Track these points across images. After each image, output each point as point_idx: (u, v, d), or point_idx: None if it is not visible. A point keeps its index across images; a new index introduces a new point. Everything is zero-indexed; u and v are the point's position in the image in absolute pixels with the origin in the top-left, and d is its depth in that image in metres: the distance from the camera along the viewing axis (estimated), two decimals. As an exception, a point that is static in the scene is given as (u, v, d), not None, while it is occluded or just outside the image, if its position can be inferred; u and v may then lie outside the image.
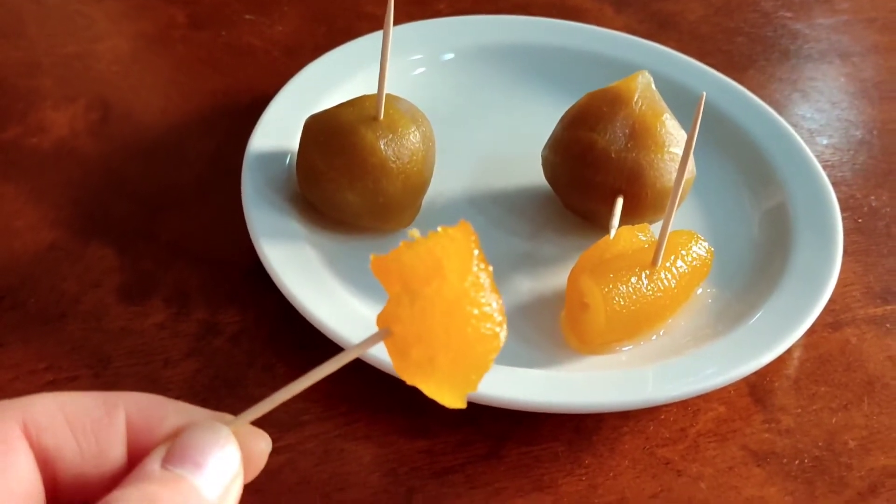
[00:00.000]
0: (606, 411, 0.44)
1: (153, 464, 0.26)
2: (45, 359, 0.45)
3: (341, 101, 0.51)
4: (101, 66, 0.63)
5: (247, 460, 0.28)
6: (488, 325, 0.28)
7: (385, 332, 0.28)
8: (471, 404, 0.42)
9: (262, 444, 0.29)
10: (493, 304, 0.28)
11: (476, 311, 0.27)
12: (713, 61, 0.65)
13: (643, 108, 0.49)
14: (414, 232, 0.28)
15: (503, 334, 0.28)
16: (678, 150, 0.49)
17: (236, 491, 0.27)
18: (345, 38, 0.62)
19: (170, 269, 0.50)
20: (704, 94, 0.42)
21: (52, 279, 0.49)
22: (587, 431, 0.44)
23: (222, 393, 0.45)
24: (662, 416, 0.45)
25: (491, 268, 0.28)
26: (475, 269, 0.28)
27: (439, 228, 0.27)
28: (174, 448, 0.26)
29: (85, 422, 0.26)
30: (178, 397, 0.43)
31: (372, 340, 0.28)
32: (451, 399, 0.28)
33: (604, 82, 0.52)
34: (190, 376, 0.45)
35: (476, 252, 0.28)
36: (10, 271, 0.49)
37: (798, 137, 0.57)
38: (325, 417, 0.44)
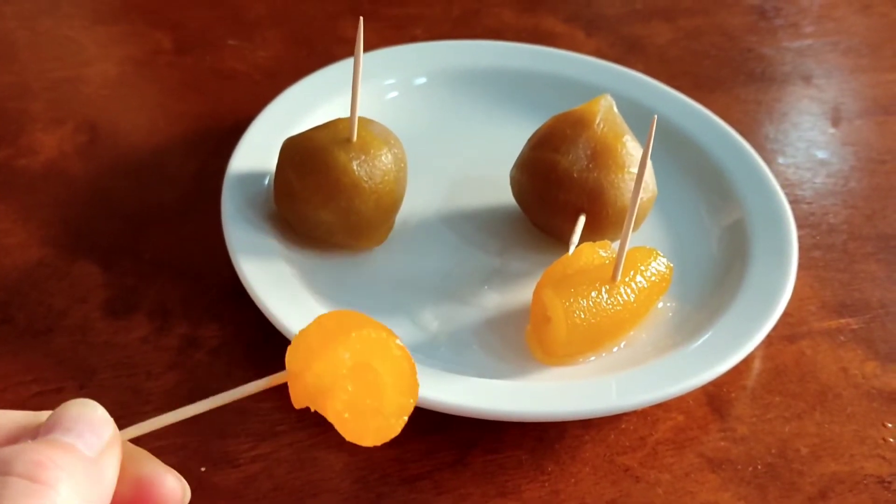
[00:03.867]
0: (569, 419, 0.46)
1: (26, 438, 0.27)
2: (33, 371, 0.47)
3: (318, 123, 0.53)
4: (89, 89, 0.65)
5: (152, 491, 0.30)
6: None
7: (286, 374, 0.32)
8: (439, 414, 0.45)
9: (169, 480, 0.30)
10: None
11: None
12: (681, 83, 0.68)
13: (605, 129, 0.51)
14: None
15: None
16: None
17: (115, 456, 0.28)
18: (324, 62, 0.64)
19: (153, 285, 0.52)
20: (656, 116, 0.44)
21: (39, 294, 0.51)
22: (550, 440, 0.46)
23: (202, 403, 0.47)
24: (623, 426, 0.47)
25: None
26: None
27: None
28: (46, 422, 0.28)
29: (11, 438, 0.28)
30: (159, 408, 0.46)
31: (276, 380, 0.32)
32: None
33: (571, 105, 0.55)
34: (171, 388, 0.47)
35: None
36: (0, 287, 0.51)
37: (757, 157, 0.59)
38: (299, 427, 0.46)
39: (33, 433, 0.28)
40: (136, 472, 0.30)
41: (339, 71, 0.62)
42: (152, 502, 0.30)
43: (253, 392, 0.32)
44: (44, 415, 0.29)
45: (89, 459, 0.27)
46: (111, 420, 0.29)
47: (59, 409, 0.28)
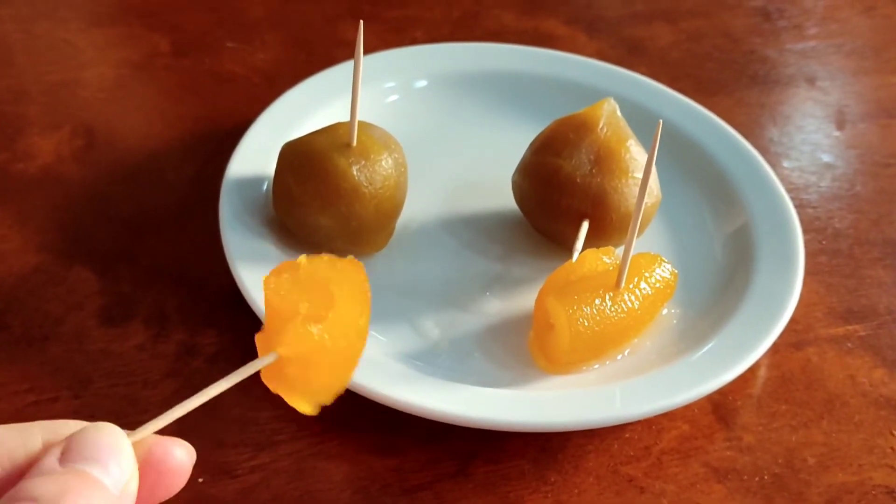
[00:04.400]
0: (572, 430, 0.45)
1: (51, 460, 0.27)
2: (28, 380, 0.47)
3: (317, 127, 0.52)
4: (86, 93, 0.64)
5: (161, 467, 0.30)
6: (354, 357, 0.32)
7: (272, 355, 0.32)
8: (440, 423, 0.44)
9: (177, 451, 0.30)
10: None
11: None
12: (683, 86, 0.67)
13: (608, 134, 0.51)
14: (301, 258, 0.32)
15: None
16: (642, 175, 0.50)
17: (134, 489, 0.28)
18: (324, 65, 0.63)
19: (149, 291, 0.51)
20: (661, 121, 0.44)
21: (36, 302, 0.50)
22: (553, 450, 0.46)
23: (199, 412, 0.46)
24: (627, 435, 0.47)
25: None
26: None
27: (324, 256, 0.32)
28: (70, 445, 0.27)
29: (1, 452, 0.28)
30: (155, 417, 0.45)
31: (260, 363, 0.32)
32: (305, 408, 0.32)
33: (573, 108, 0.54)
34: (168, 396, 0.47)
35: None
36: (-5, 294, 0.51)
37: (762, 160, 0.58)
38: (298, 437, 0.45)
39: (58, 451, 0.27)
40: (143, 452, 0.30)
41: (338, 74, 0.61)
42: (164, 476, 0.30)
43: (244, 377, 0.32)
44: (30, 426, 0.29)
45: (114, 497, 0.27)
46: (131, 448, 0.29)
47: (83, 434, 0.28)
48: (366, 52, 0.62)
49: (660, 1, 0.79)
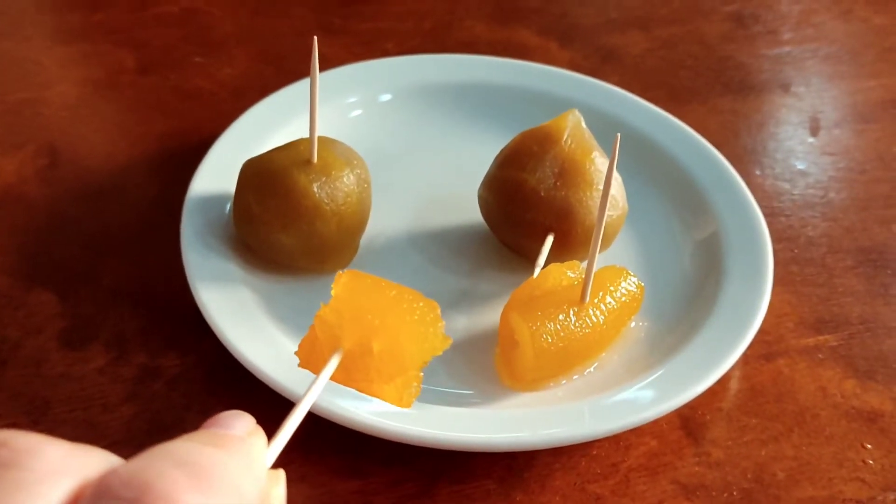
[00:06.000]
0: (538, 448, 0.44)
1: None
2: (-14, 408, 0.46)
3: (283, 143, 0.52)
4: (49, 111, 0.63)
5: None
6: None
7: (339, 352, 0.32)
8: (402, 444, 0.43)
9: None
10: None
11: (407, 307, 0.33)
12: (656, 95, 0.67)
13: (572, 146, 0.50)
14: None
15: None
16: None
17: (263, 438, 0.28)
18: (293, 79, 0.63)
19: (111, 313, 0.51)
20: (619, 134, 0.43)
21: (-7, 326, 0.50)
22: (519, 468, 0.45)
23: (159, 437, 0.45)
24: (594, 452, 0.46)
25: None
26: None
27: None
28: (209, 422, 0.27)
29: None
30: (115, 442, 0.44)
31: (332, 366, 0.32)
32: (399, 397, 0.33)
33: (542, 119, 0.53)
34: (127, 421, 0.46)
35: None
36: (-48, 319, 0.50)
37: (731, 169, 0.58)
38: (258, 460, 0.44)
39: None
40: None
41: (304, 88, 0.61)
42: None
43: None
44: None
45: (240, 438, 0.27)
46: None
47: (215, 417, 0.28)
48: (335, 65, 0.62)
49: (634, 8, 0.79)
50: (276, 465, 0.29)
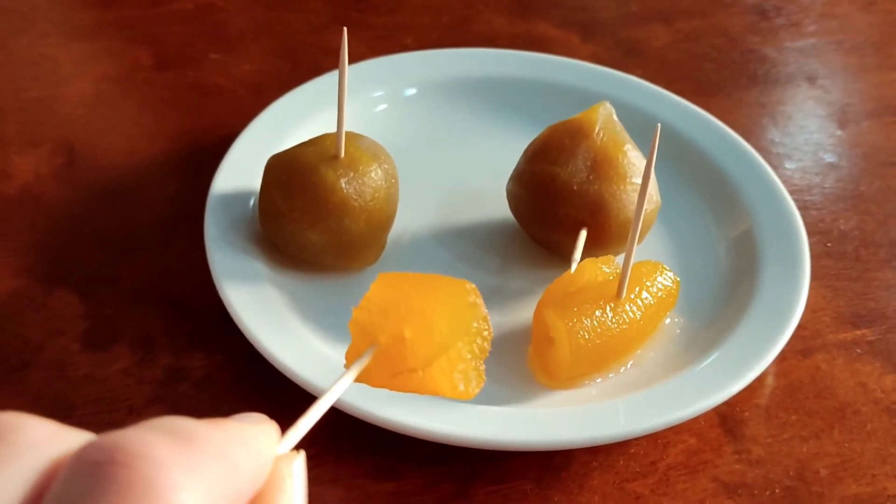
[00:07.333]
0: (575, 447, 0.43)
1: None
2: (8, 409, 0.45)
3: (305, 139, 0.51)
4: (66, 109, 0.62)
5: None
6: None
7: (372, 347, 0.30)
8: (437, 444, 0.42)
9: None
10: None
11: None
12: (680, 88, 0.65)
13: (604, 139, 0.49)
14: None
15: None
16: (641, 181, 0.49)
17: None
18: (311, 74, 0.62)
19: (134, 313, 0.50)
20: (659, 125, 0.42)
21: (15, 327, 0.48)
22: (556, 468, 0.44)
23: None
24: (632, 450, 0.45)
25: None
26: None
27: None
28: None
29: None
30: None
31: (364, 361, 0.30)
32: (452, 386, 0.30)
33: (568, 113, 0.52)
34: (154, 423, 0.45)
35: None
36: (-28, 321, 0.49)
37: (764, 162, 0.57)
38: (291, 462, 0.43)
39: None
40: None
41: (325, 84, 0.60)
42: None
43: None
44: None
45: (241, 424, 0.24)
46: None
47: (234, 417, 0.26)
48: (353, 60, 0.61)
49: (655, 1, 0.78)
50: (308, 468, 0.27)
